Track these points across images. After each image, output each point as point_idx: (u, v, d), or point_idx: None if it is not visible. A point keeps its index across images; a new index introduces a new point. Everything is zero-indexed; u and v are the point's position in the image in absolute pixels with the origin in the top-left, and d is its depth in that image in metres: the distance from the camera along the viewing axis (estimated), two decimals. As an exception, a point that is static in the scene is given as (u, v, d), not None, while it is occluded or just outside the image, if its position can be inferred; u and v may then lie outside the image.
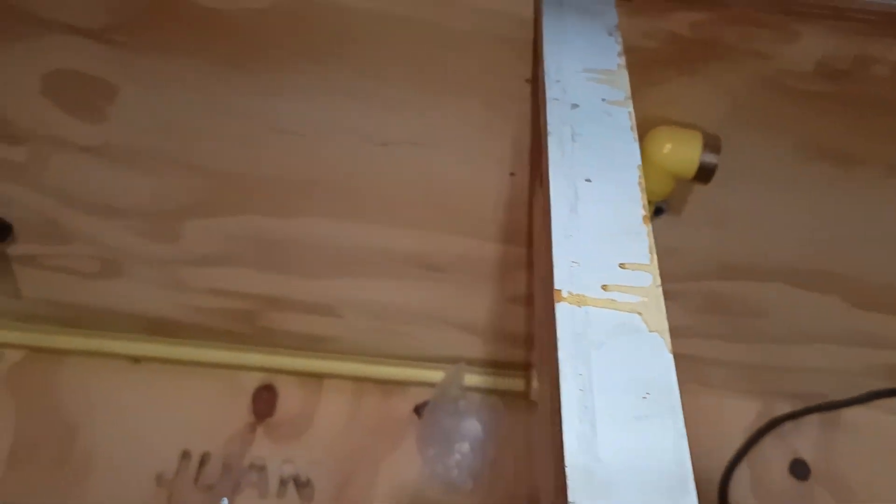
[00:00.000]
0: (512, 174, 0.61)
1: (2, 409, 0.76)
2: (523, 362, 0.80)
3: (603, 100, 0.39)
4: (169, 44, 0.54)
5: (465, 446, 0.72)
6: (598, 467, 0.26)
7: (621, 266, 0.32)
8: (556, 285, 0.31)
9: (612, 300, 0.31)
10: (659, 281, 0.32)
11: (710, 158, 0.54)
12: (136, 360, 0.81)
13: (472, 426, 0.73)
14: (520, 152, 0.59)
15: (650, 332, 0.30)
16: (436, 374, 0.80)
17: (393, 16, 0.51)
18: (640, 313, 0.30)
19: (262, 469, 0.73)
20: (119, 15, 0.52)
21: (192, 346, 0.80)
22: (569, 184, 0.35)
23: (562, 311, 0.30)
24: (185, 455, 0.74)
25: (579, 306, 0.30)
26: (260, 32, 0.53)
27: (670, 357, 0.29)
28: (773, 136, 0.58)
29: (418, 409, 0.79)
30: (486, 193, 0.63)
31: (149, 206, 0.67)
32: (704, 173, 0.55)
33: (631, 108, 0.39)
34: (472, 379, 0.78)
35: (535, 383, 0.77)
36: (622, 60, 0.42)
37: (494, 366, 0.80)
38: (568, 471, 0.26)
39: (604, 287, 0.31)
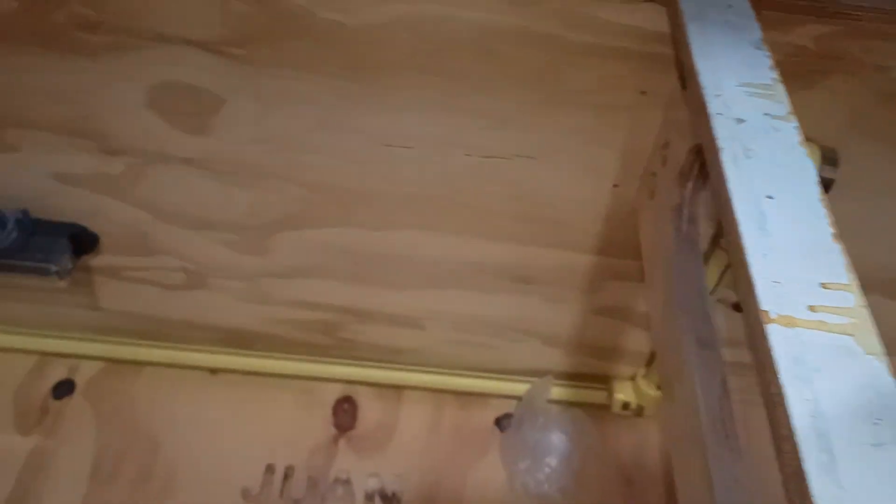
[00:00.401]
0: (615, 185, 0.61)
1: (82, 421, 0.76)
2: (604, 374, 0.79)
3: (766, 114, 0.39)
4: (286, 57, 0.53)
5: (553, 460, 0.72)
6: (846, 497, 0.25)
7: (823, 286, 0.31)
8: (762, 306, 0.30)
9: (822, 322, 0.30)
10: (864, 301, 0.31)
11: (829, 173, 0.54)
12: (213, 371, 0.80)
13: (559, 439, 0.73)
14: (627, 164, 0.59)
15: (867, 354, 0.29)
16: (514, 386, 0.79)
17: (512, 30, 0.51)
18: (851, 335, 0.30)
19: (347, 483, 0.73)
20: (240, 28, 0.52)
21: (269, 358, 0.79)
22: (751, 201, 0.34)
23: (774, 333, 0.30)
24: (270, 469, 0.73)
25: (790, 328, 0.30)
26: (378, 47, 0.52)
27: (892, 381, 0.29)
28: (886, 147, 0.57)
29: (500, 422, 0.79)
30: (586, 205, 0.63)
31: (244, 220, 0.66)
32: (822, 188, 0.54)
33: (797, 123, 0.39)
34: (555, 391, 0.78)
35: (616, 396, 0.77)
36: (776, 74, 0.41)
37: (575, 378, 0.80)
38: (816, 501, 0.25)
39: (811, 308, 0.31)
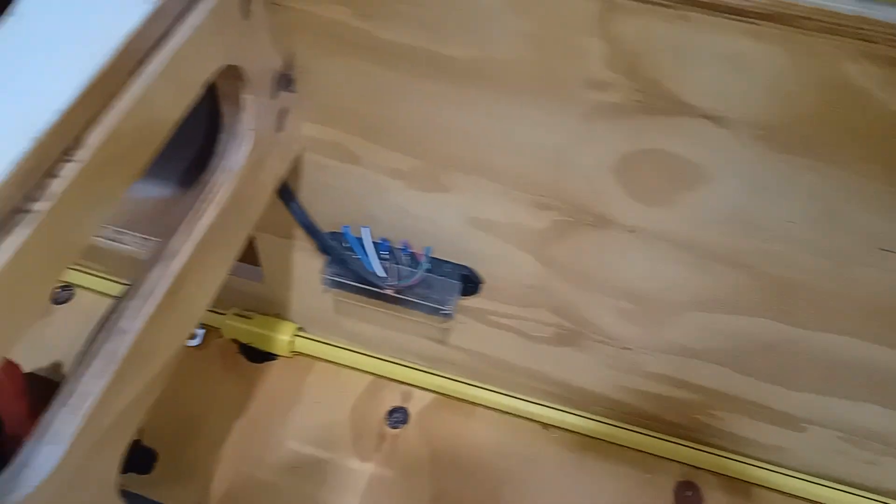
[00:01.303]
0: None
1: (417, 455, 0.74)
2: None
3: None
4: (809, 144, 0.46)
5: None
6: None
7: None
8: None
9: None
10: None
11: None
12: (545, 426, 0.76)
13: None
14: None
15: None
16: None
17: None
18: None
19: (698, 585, 0.67)
20: (778, 109, 0.45)
21: (609, 425, 0.74)
22: None
23: None
24: (612, 550, 0.68)
25: None
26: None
27: None
28: None
29: (867, 548, 0.70)
30: None
31: (655, 294, 0.61)
32: None
33: None
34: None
35: None
36: None
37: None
38: None
39: None
